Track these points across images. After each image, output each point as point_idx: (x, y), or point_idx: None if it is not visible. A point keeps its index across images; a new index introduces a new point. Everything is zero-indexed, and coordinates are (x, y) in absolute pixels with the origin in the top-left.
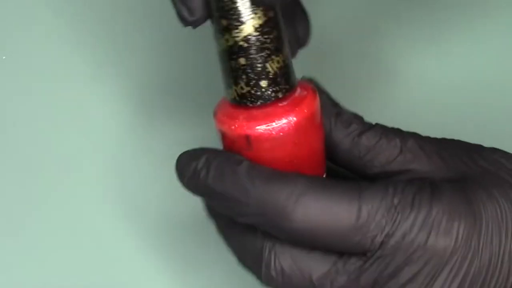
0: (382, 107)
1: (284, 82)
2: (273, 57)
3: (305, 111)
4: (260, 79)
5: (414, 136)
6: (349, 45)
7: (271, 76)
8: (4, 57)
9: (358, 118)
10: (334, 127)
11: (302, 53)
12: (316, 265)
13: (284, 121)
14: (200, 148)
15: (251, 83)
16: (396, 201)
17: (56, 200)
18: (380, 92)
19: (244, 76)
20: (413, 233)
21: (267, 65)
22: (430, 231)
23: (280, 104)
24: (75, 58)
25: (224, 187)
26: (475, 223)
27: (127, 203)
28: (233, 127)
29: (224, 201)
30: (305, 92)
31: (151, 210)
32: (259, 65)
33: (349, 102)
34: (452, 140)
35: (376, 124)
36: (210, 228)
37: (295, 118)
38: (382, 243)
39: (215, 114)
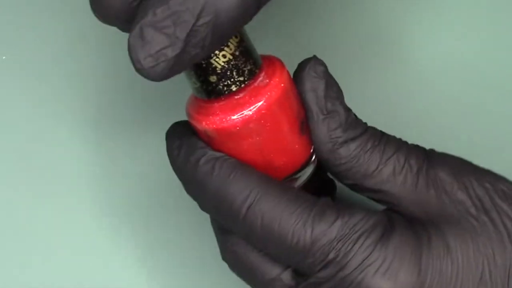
0: (376, 81)
1: (237, 74)
2: (216, 52)
3: (263, 103)
4: (208, 75)
5: (398, 152)
6: (338, 11)
7: (218, 71)
8: (4, 57)
9: (349, 122)
10: (321, 124)
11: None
12: (264, 268)
13: (239, 114)
14: (182, 124)
15: (201, 79)
16: (340, 234)
17: (46, 203)
18: (375, 66)
19: (193, 72)
20: (348, 270)
21: (212, 60)
22: (366, 273)
23: (236, 97)
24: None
25: (189, 175)
26: (418, 277)
27: (116, 204)
28: (193, 121)
29: (188, 186)
30: (266, 81)
31: (144, 210)
32: (203, 61)
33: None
34: (440, 157)
35: (367, 130)
36: (205, 230)
37: (250, 112)
38: (318, 271)
39: (186, 106)
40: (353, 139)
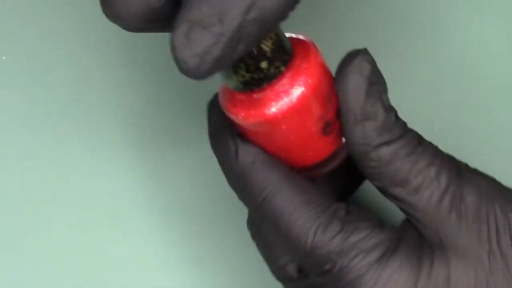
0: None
1: (283, 53)
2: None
3: (310, 81)
4: (259, 61)
5: (431, 166)
6: None
7: (268, 55)
8: (4, 57)
9: (386, 126)
10: (356, 126)
11: None
12: (277, 255)
13: (295, 92)
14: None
15: (251, 69)
16: (339, 249)
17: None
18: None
19: (242, 64)
20: (342, 283)
21: (262, 46)
22: None
23: (284, 78)
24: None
25: (220, 153)
26: None
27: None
28: (240, 116)
29: (217, 155)
30: (306, 56)
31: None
32: (254, 49)
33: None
34: (470, 177)
35: (404, 134)
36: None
37: (309, 81)
38: (315, 275)
39: (221, 103)
40: (387, 143)
